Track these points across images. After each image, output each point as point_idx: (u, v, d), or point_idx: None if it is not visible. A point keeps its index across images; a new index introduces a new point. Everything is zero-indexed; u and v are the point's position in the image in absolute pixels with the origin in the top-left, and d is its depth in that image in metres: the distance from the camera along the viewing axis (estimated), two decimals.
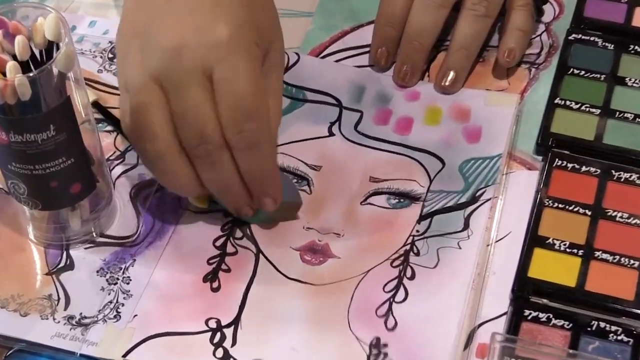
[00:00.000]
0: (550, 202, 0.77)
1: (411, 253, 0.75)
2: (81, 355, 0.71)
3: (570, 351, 0.69)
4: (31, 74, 0.66)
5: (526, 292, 0.72)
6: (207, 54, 0.68)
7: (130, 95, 0.70)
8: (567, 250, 0.74)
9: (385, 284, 0.74)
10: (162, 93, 0.69)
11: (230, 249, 0.76)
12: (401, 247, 0.76)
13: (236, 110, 0.68)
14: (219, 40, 0.68)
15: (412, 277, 0.74)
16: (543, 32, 0.90)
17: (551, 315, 0.71)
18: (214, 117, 0.68)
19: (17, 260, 0.76)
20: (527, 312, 0.71)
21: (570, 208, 0.76)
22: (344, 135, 0.83)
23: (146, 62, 0.69)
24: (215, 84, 0.68)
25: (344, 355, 0.70)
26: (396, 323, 0.72)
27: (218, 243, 0.77)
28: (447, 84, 0.85)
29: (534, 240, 0.75)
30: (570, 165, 0.79)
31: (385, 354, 0.70)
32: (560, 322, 0.71)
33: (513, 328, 0.71)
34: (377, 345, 0.71)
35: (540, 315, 0.71)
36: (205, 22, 0.68)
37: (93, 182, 0.74)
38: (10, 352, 0.71)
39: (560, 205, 0.77)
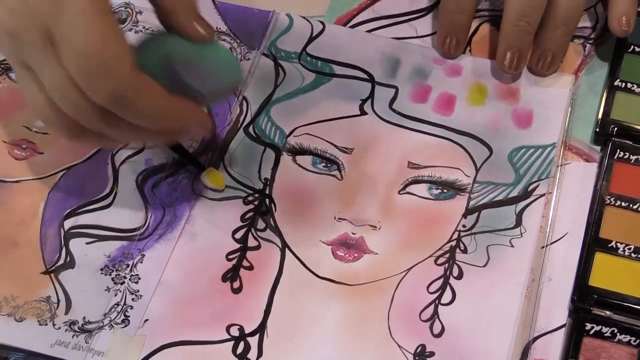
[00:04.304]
0: (612, 199, 0.69)
1: (457, 250, 0.68)
2: None
3: None
4: None
5: (587, 302, 0.65)
6: (38, 11, 0.57)
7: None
8: (633, 255, 0.67)
9: (430, 284, 0.67)
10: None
11: (252, 242, 0.68)
12: (446, 243, 0.68)
13: (85, 70, 0.58)
14: None
15: (460, 277, 0.67)
16: (598, 1, 0.80)
17: (616, 330, 0.64)
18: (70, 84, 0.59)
19: (10, 257, 0.68)
20: (588, 325, 0.64)
21: (635, 207, 0.69)
22: (377, 114, 0.74)
23: None
24: (57, 46, 0.58)
25: None
26: (443, 328, 0.65)
27: (238, 235, 0.68)
28: (545, 68, 0.75)
29: (595, 243, 0.67)
30: (633, 158, 0.71)
31: None
32: (626, 338, 0.64)
33: (573, 344, 0.64)
34: (422, 353, 0.64)
35: (604, 329, 0.64)
36: None
37: None
38: None
39: (623, 204, 0.69)
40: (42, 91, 0.60)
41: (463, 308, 0.66)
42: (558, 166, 0.72)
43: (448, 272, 0.67)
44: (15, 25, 0.58)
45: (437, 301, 0.66)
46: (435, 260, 0.68)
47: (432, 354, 0.64)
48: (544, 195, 0.70)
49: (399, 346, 0.64)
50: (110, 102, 0.58)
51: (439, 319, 0.65)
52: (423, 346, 0.64)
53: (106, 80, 0.58)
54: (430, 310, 0.66)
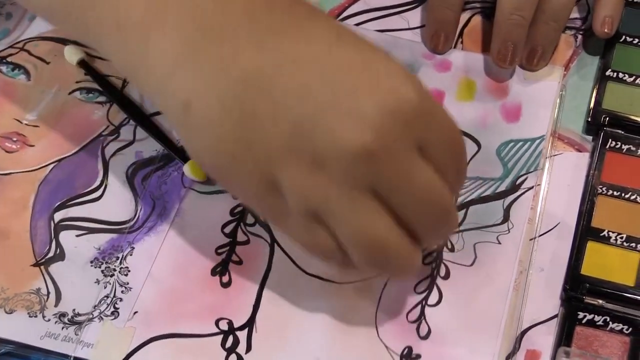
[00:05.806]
0: (604, 189, 0.69)
1: (445, 249, 0.67)
2: (75, 358, 0.62)
3: None
4: None
5: (580, 291, 0.64)
6: (415, 124, 0.55)
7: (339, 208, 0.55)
8: (625, 244, 0.66)
9: (417, 284, 0.66)
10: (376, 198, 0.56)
11: (241, 237, 0.68)
12: None
13: (457, 164, 0.58)
14: (416, 101, 0.55)
15: (447, 277, 0.66)
16: None
17: (608, 318, 0.64)
18: (445, 183, 0.57)
19: (0, 249, 0.67)
20: (581, 314, 0.64)
21: (627, 196, 0.68)
22: None
23: (334, 171, 0.54)
24: (431, 149, 0.56)
25: None
26: (429, 330, 0.64)
27: (227, 229, 0.68)
28: (535, 64, 0.76)
29: (587, 232, 0.67)
30: (625, 147, 0.71)
31: None
32: (618, 326, 0.63)
33: (566, 333, 0.63)
34: (408, 355, 0.63)
35: (596, 318, 0.64)
36: (395, 83, 0.55)
37: None
38: None
39: (615, 193, 0.69)
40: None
41: (450, 309, 0.65)
42: (547, 157, 0.71)
43: (435, 272, 0.66)
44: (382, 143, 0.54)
45: (424, 302, 0.65)
46: (423, 260, 0.66)
47: (418, 356, 0.63)
48: (532, 188, 0.69)
49: (386, 347, 0.63)
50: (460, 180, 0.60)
51: (425, 320, 0.64)
52: (410, 348, 0.63)
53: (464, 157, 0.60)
54: (417, 312, 0.65)
